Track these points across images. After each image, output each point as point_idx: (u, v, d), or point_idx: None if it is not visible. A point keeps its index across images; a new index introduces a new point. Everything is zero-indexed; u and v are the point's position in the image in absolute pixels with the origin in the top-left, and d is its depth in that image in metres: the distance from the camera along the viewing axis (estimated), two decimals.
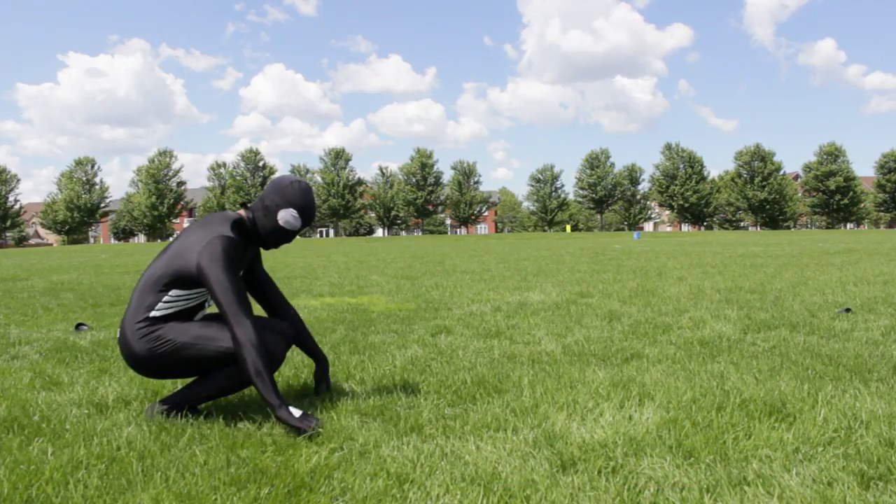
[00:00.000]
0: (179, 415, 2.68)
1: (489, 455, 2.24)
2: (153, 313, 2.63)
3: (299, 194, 2.71)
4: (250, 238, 2.78)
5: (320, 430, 2.48)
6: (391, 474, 2.09)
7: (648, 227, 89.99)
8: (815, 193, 73.75)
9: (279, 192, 2.71)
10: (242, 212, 2.78)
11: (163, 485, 2.04)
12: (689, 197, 73.26)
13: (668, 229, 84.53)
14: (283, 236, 2.76)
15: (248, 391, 3.09)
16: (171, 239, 3.12)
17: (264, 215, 2.72)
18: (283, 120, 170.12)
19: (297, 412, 2.50)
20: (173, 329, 2.63)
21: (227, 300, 2.54)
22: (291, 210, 2.69)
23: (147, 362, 2.64)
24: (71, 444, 2.41)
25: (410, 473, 2.10)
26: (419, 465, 2.17)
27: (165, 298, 2.63)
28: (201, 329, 2.65)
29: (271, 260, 16.62)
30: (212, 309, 2.95)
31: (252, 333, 2.53)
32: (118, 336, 2.73)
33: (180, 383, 3.17)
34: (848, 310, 5.40)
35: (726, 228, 74.64)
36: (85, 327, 5.41)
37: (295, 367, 3.66)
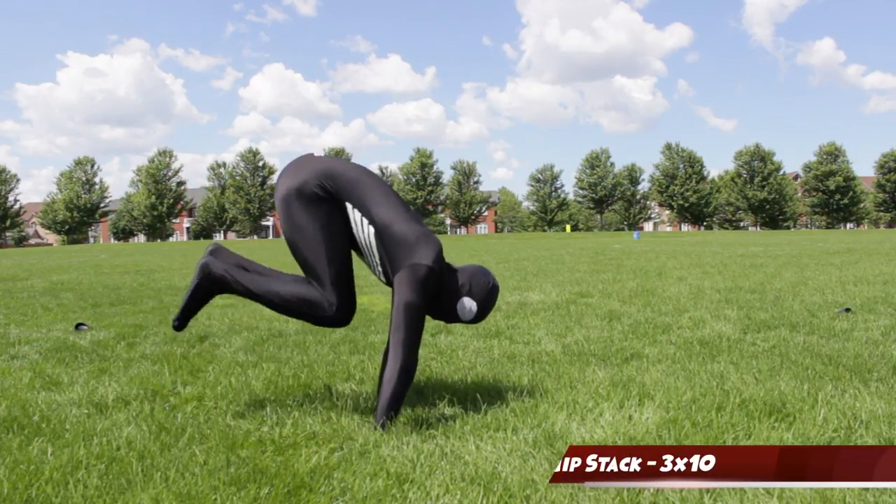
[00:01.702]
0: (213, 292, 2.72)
1: (489, 455, 2.24)
2: (348, 205, 2.65)
3: (489, 296, 2.74)
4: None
5: None
6: (391, 474, 2.09)
7: (648, 227, 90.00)
8: (814, 193, 73.77)
9: (475, 282, 2.73)
10: (449, 262, 2.77)
11: (163, 485, 2.04)
12: (689, 197, 73.28)
13: (668, 229, 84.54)
14: (448, 316, 2.76)
15: (253, 392, 3.09)
16: (398, 198, 2.93)
17: (451, 289, 2.71)
18: (283, 120, 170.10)
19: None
20: (328, 217, 2.63)
21: (410, 325, 2.54)
22: (474, 304, 2.72)
23: (288, 200, 2.64)
24: (71, 444, 2.41)
25: (410, 473, 2.10)
26: (419, 464, 2.17)
27: (365, 221, 2.65)
28: (333, 244, 2.64)
29: (271, 259, 16.62)
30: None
31: (414, 365, 2.55)
32: (308, 154, 2.76)
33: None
34: (848, 310, 5.40)
35: (726, 228, 74.66)
36: (85, 327, 5.41)
37: (294, 367, 3.66)
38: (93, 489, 2.01)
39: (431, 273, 2.57)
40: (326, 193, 2.64)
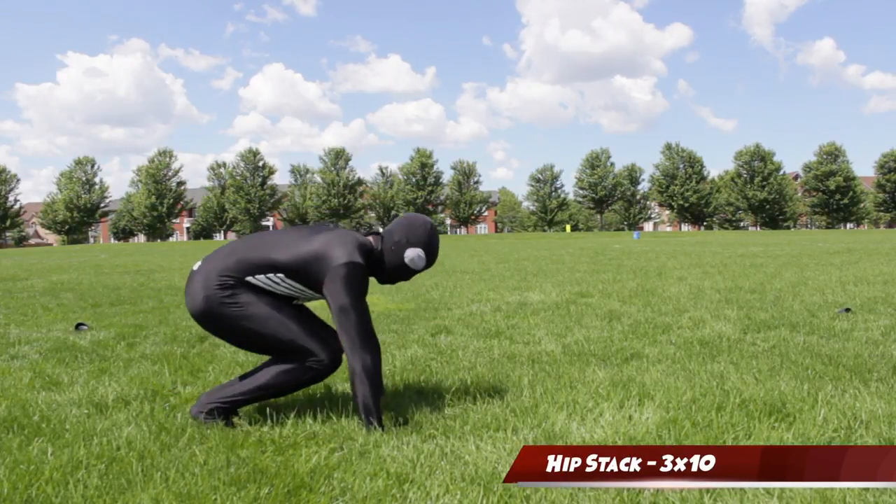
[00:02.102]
0: (223, 417, 2.65)
1: (489, 455, 2.24)
2: (249, 279, 2.62)
3: (428, 236, 2.75)
4: (372, 268, 2.77)
5: None
6: (391, 474, 2.09)
7: (648, 227, 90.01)
8: (814, 193, 73.73)
9: (409, 231, 2.73)
10: (372, 239, 2.78)
11: (163, 485, 2.04)
12: (689, 197, 73.25)
13: (668, 229, 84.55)
14: (404, 273, 2.78)
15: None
16: (293, 227, 2.92)
17: (391, 249, 2.73)
18: (283, 120, 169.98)
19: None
20: (252, 299, 2.61)
21: (350, 328, 2.54)
22: (419, 250, 2.72)
23: (210, 314, 2.62)
24: (71, 444, 2.41)
25: (410, 473, 2.10)
26: (419, 465, 2.17)
27: (270, 276, 2.63)
28: (273, 308, 2.63)
29: None
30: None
31: (370, 365, 2.54)
32: (192, 272, 2.70)
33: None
34: (848, 310, 5.40)
35: (726, 228, 74.64)
36: (85, 327, 5.41)
37: None
38: (93, 489, 2.01)
39: (348, 268, 2.57)
40: (230, 282, 2.62)
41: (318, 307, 4.50)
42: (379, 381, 2.58)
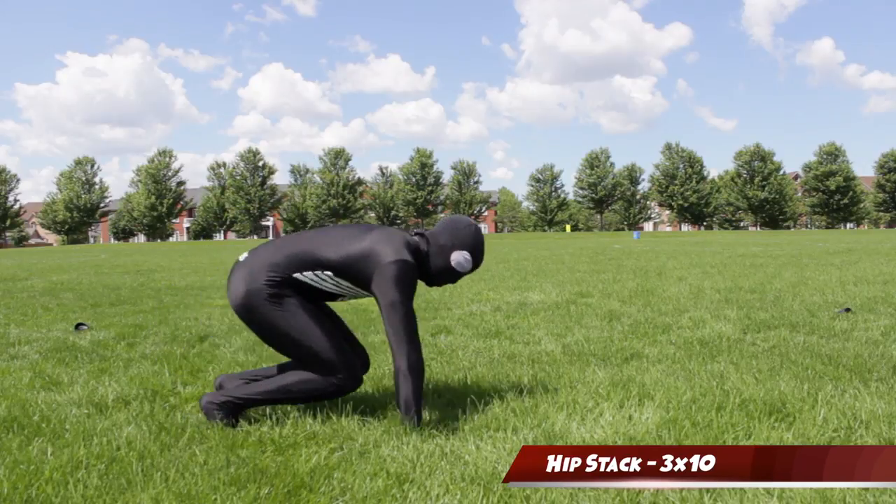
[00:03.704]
0: (231, 413, 2.64)
1: (489, 455, 2.24)
2: (296, 275, 2.62)
3: (474, 238, 2.75)
4: (419, 269, 2.76)
5: None
6: (391, 474, 2.09)
7: (648, 226, 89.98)
8: (814, 193, 73.72)
9: (455, 234, 2.74)
10: (418, 240, 2.78)
11: (163, 485, 2.04)
12: (689, 197, 73.24)
13: (668, 229, 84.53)
14: (451, 277, 2.79)
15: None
16: (341, 225, 2.91)
17: (437, 253, 2.74)
18: (283, 120, 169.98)
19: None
20: (296, 305, 2.61)
21: (397, 324, 2.55)
22: (465, 253, 2.73)
23: (250, 307, 2.61)
24: (71, 444, 2.41)
25: (410, 473, 2.10)
26: (419, 464, 2.17)
27: (318, 273, 2.64)
28: (311, 319, 2.62)
29: None
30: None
31: (415, 363, 2.55)
32: (238, 263, 2.70)
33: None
34: (848, 309, 5.40)
35: (726, 228, 74.63)
36: (85, 327, 5.41)
37: None
38: (93, 489, 2.01)
39: (398, 265, 2.58)
40: (277, 279, 2.62)
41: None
42: (421, 379, 2.59)
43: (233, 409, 2.65)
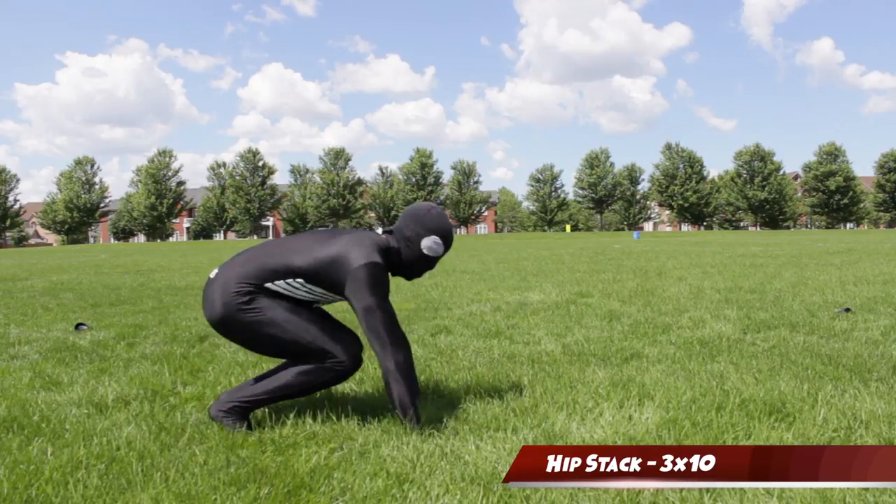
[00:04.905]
0: (241, 416, 2.63)
1: (489, 455, 2.24)
2: (268, 285, 2.62)
3: (438, 220, 2.75)
4: (393, 267, 2.78)
5: None
6: (391, 474, 2.09)
7: (648, 226, 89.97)
8: (814, 193, 73.72)
9: (419, 222, 2.73)
10: (387, 238, 2.77)
11: (163, 485, 2.04)
12: (689, 197, 73.23)
13: (668, 229, 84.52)
14: (427, 264, 2.79)
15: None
16: (310, 231, 2.97)
17: (407, 246, 2.74)
18: (283, 120, 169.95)
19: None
20: (270, 304, 2.61)
21: (378, 327, 2.54)
22: (434, 237, 2.73)
23: (230, 322, 2.61)
24: (71, 444, 2.41)
25: (410, 473, 2.10)
26: (419, 465, 2.17)
27: (289, 281, 2.63)
28: (292, 313, 2.63)
29: None
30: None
31: (402, 363, 2.54)
32: (209, 280, 2.69)
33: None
34: (848, 310, 5.40)
35: (726, 228, 74.63)
36: (85, 327, 5.41)
37: None
38: (93, 489, 2.01)
39: (368, 268, 2.57)
40: (249, 290, 2.61)
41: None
42: (413, 377, 2.59)
43: (241, 413, 2.65)
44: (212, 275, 2.72)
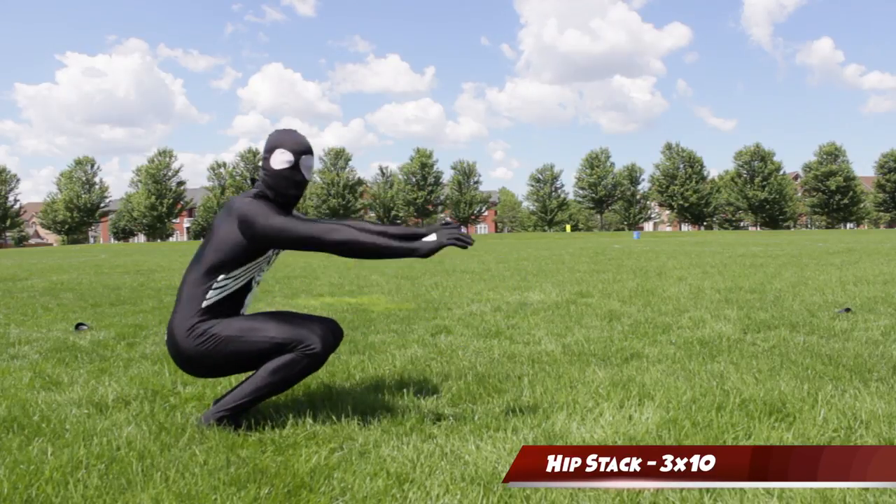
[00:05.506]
0: (233, 423, 2.62)
1: (489, 455, 2.24)
2: (205, 303, 2.63)
3: (276, 136, 2.74)
4: (273, 203, 2.74)
5: (464, 235, 2.53)
6: (391, 474, 2.09)
7: (648, 226, 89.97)
8: (815, 193, 73.74)
9: (264, 148, 2.75)
10: (256, 187, 2.77)
11: (163, 485, 2.04)
12: (689, 197, 73.25)
13: (668, 229, 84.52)
14: (290, 180, 2.70)
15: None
16: (203, 239, 3.07)
17: (265, 175, 2.72)
18: (283, 120, 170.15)
19: (430, 238, 2.53)
20: (219, 325, 2.62)
21: (304, 233, 2.53)
22: (277, 150, 2.70)
23: (197, 361, 2.62)
24: (71, 444, 2.41)
25: (410, 473, 2.10)
26: (419, 464, 2.17)
27: (214, 286, 2.63)
28: (245, 322, 2.64)
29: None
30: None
31: (348, 232, 2.51)
32: (166, 338, 2.71)
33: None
34: (848, 309, 5.40)
35: (726, 228, 74.64)
36: (85, 327, 5.41)
37: None
38: (93, 489, 2.01)
39: (252, 204, 2.62)
40: (195, 322, 2.62)
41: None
42: (374, 232, 2.60)
43: (231, 419, 2.64)
44: (168, 325, 2.72)
